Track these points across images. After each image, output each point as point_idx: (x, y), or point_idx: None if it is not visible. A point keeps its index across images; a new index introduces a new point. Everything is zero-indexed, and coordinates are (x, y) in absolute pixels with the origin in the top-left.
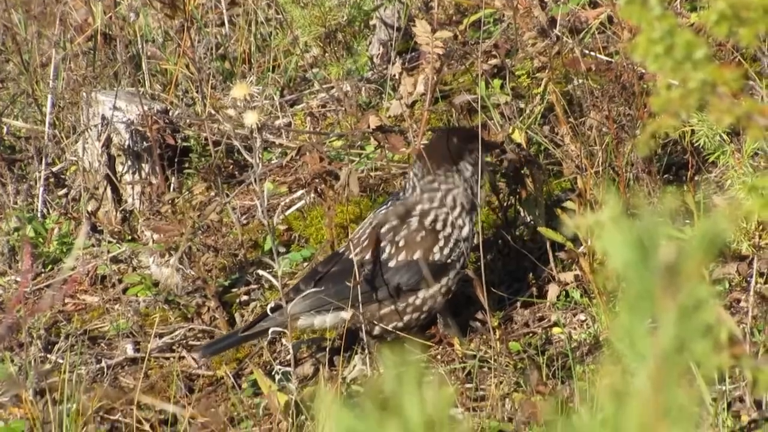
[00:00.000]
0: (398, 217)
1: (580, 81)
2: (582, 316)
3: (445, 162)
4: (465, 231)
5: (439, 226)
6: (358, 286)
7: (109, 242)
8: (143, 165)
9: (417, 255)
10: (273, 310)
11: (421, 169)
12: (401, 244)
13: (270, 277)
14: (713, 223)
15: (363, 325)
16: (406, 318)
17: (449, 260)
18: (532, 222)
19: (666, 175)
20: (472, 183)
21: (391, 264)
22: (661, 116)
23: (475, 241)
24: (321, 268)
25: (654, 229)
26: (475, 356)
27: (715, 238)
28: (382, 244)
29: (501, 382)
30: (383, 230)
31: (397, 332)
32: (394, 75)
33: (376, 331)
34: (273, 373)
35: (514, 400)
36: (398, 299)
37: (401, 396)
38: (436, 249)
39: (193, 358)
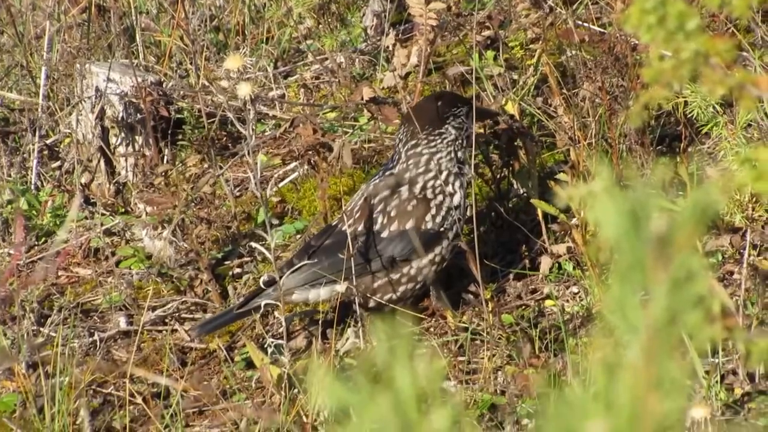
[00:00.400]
0: (389, 187)
1: (574, 52)
2: (575, 289)
3: (429, 125)
4: (456, 198)
5: (429, 194)
6: (352, 259)
7: (103, 215)
8: (137, 137)
9: (409, 224)
10: (267, 284)
11: (405, 134)
12: (393, 214)
13: (263, 249)
14: (705, 194)
15: (356, 298)
16: (401, 289)
17: (442, 229)
18: (525, 194)
19: (659, 147)
20: (456, 147)
21: (384, 235)
22: (654, 87)
23: (468, 213)
24: (314, 242)
25: (646, 200)
26: (467, 329)
27: (707, 209)
28: (374, 215)
29: (493, 355)
30: (375, 201)
31: (392, 305)
32: (388, 46)
33: (371, 303)
34: (266, 346)
35: (507, 373)
36: (392, 270)
37: (393, 368)
38: (428, 218)
39: (188, 335)
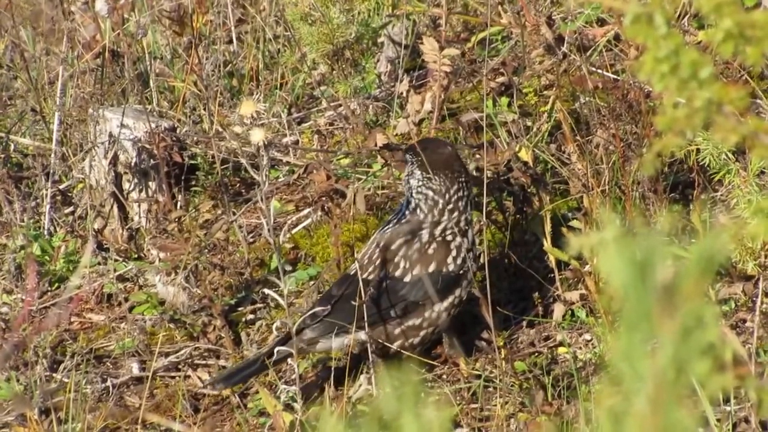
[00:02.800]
0: (408, 232)
1: (587, 99)
2: (587, 336)
3: (442, 169)
4: (469, 239)
5: (449, 236)
6: (372, 306)
7: (116, 260)
8: (150, 183)
9: (432, 267)
10: (283, 340)
11: (420, 178)
12: (414, 258)
13: (276, 296)
14: (712, 242)
15: (372, 345)
16: (421, 334)
17: (461, 271)
18: (538, 241)
19: (672, 194)
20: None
21: (407, 280)
22: (667, 135)
23: (481, 259)
24: (335, 291)
25: (654, 248)
26: (480, 376)
27: (714, 257)
28: (396, 260)
29: (506, 402)
30: (394, 246)
31: (411, 352)
32: (402, 93)
33: (392, 350)
34: (278, 393)
35: (520, 420)
36: (414, 315)
37: (402, 416)
38: (449, 260)
39: (212, 387)
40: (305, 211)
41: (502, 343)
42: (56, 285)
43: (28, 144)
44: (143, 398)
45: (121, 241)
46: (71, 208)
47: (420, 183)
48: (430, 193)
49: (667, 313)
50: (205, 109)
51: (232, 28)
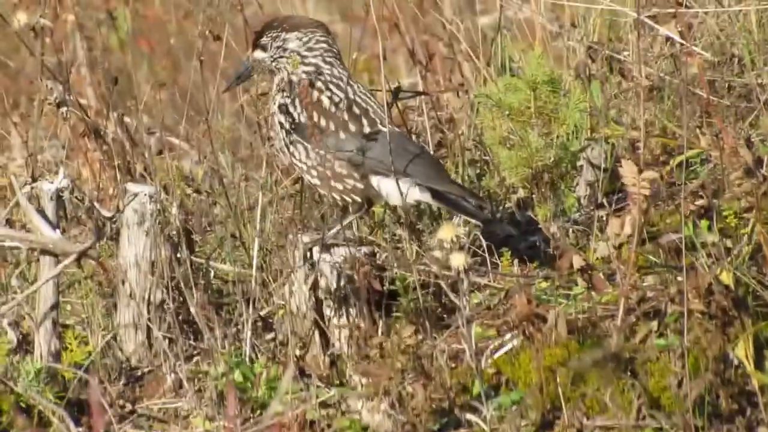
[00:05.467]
0: None
1: None
2: None
3: None
4: None
5: None
6: None
7: (318, 386)
8: (351, 308)
9: None
10: None
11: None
12: None
13: (479, 420)
14: None
15: None
16: None
17: None
18: (741, 364)
19: None
20: None
21: None
22: None
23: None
24: None
25: None
26: None
27: None
28: None
29: None
30: None
31: None
32: (601, 216)
33: None
34: None
35: None
36: None
37: None
38: None
39: None
40: (507, 336)
41: None
42: (258, 412)
43: (228, 270)
44: None
45: (323, 367)
46: (272, 335)
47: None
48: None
49: None
50: (404, 234)
51: (430, 148)
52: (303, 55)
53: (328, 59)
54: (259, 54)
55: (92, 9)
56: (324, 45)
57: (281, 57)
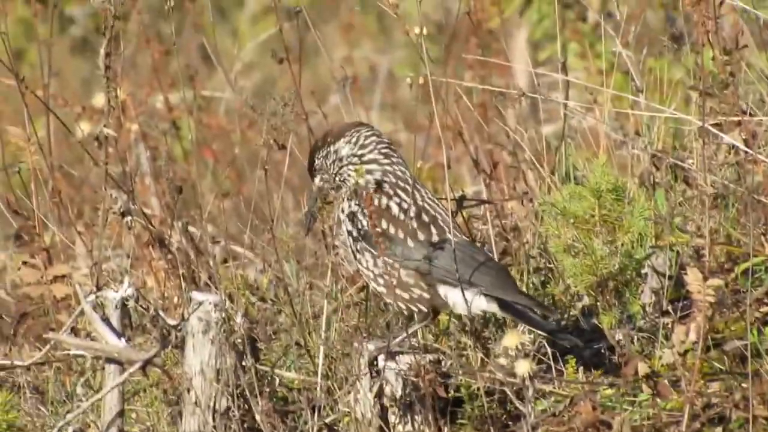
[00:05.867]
0: None
1: None
2: None
3: None
4: None
5: None
6: None
7: None
8: (416, 415)
9: None
10: None
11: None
12: None
13: None
14: None
15: None
16: None
17: None
18: None
19: None
20: None
21: None
22: None
23: None
24: None
25: None
26: None
27: None
28: None
29: None
30: None
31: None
32: (666, 323)
33: None
34: None
35: None
36: None
37: None
38: None
39: None
40: None
41: None
42: None
43: (293, 378)
44: None
45: None
46: None
47: (354, 148)
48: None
49: None
50: (469, 340)
51: (495, 256)
52: (359, 155)
53: (383, 151)
54: (318, 181)
55: (156, 118)
56: (374, 138)
57: (341, 168)
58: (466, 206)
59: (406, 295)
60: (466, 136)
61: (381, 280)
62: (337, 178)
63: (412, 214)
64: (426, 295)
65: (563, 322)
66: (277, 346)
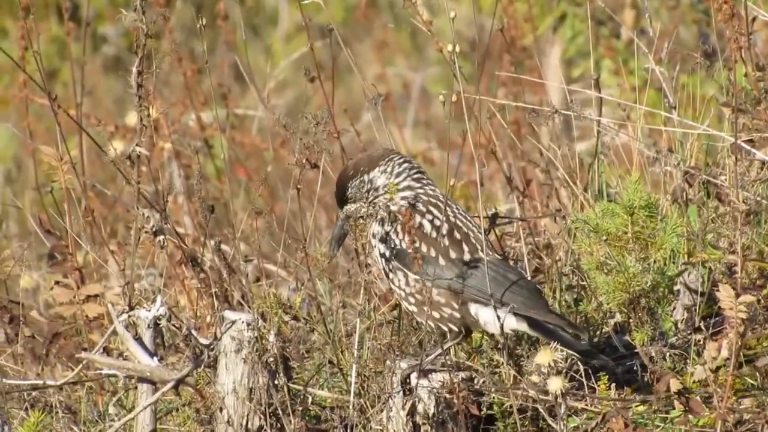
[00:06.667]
0: None
1: None
2: None
3: None
4: None
5: None
6: None
7: None
8: None
9: None
10: None
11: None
12: None
13: None
14: None
15: None
16: None
17: None
18: None
19: None
20: None
21: None
22: None
23: None
24: None
25: None
26: None
27: None
28: None
29: None
30: None
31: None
32: (699, 340)
33: None
34: None
35: None
36: None
37: None
38: None
39: None
40: None
41: None
42: None
43: (326, 396)
44: None
45: None
46: None
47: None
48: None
49: None
50: (501, 358)
51: (528, 273)
52: (395, 184)
53: (415, 176)
54: (350, 207)
55: (189, 137)
56: (406, 165)
57: (376, 198)
58: (499, 224)
59: (437, 314)
60: (499, 153)
61: (412, 299)
62: (370, 208)
63: (444, 232)
64: (457, 315)
65: (595, 339)
66: (310, 364)
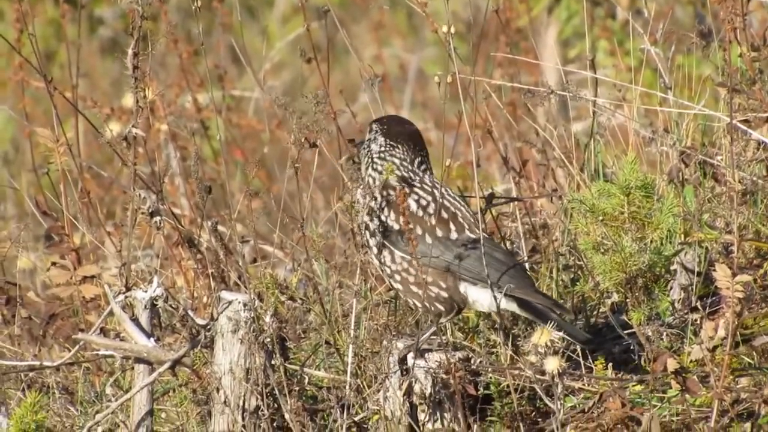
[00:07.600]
0: None
1: None
2: None
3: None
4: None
5: None
6: None
7: None
8: (445, 413)
9: None
10: None
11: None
12: None
13: None
14: None
15: None
16: None
17: None
18: None
19: None
20: None
21: None
22: None
23: None
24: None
25: None
26: None
27: None
28: None
29: None
30: None
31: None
32: (695, 319)
33: None
34: None
35: None
36: None
37: None
38: None
39: None
40: None
41: None
42: None
43: (322, 376)
44: None
45: None
46: None
47: (383, 149)
48: (396, 161)
49: None
50: (498, 338)
51: (524, 253)
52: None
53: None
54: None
55: (185, 119)
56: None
57: (363, 149)
58: (496, 204)
59: (421, 293)
60: (495, 134)
61: (398, 277)
62: (359, 154)
63: (431, 211)
64: (444, 294)
65: (592, 320)
66: (307, 344)
